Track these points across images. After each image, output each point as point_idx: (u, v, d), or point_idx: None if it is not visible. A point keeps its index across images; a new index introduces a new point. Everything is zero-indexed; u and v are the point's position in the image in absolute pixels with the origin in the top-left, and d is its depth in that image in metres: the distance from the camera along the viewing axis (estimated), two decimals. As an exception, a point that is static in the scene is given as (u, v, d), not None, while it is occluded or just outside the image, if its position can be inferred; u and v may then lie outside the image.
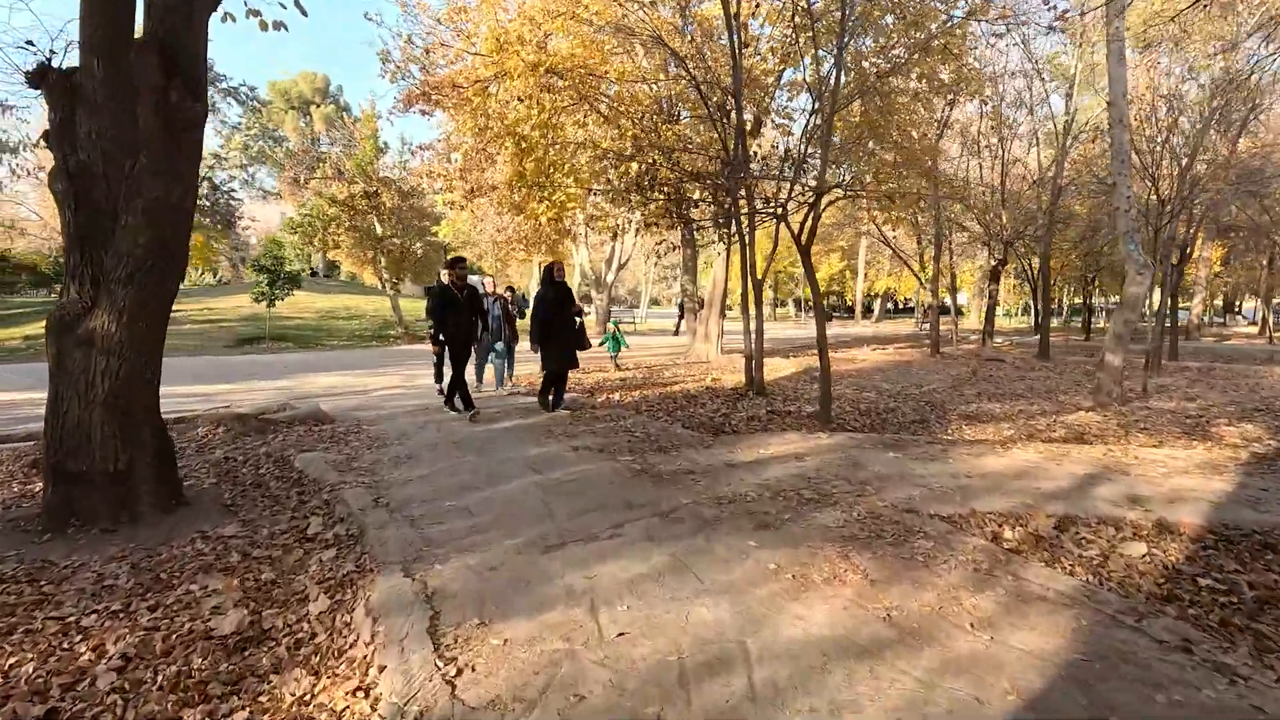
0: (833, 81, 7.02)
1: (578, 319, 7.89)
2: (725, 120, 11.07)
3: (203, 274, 51.53)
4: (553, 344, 7.51)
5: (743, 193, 8.68)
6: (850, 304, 50.75)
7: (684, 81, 11.57)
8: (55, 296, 40.77)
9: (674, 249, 14.00)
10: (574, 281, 41.25)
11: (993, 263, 20.32)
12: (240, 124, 42.24)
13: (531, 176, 13.00)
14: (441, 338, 7.44)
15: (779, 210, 7.54)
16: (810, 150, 9.12)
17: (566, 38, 11.55)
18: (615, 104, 11.86)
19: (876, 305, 47.45)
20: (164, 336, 4.31)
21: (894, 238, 22.52)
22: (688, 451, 5.67)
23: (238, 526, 4.04)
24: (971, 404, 9.42)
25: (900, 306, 62.13)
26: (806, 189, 7.82)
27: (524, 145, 12.93)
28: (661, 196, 9.63)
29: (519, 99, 11.56)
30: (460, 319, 7.47)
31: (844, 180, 7.09)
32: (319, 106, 42.54)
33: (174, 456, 4.50)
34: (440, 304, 7.40)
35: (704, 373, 12.31)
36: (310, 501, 4.48)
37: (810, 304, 52.85)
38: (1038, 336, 24.98)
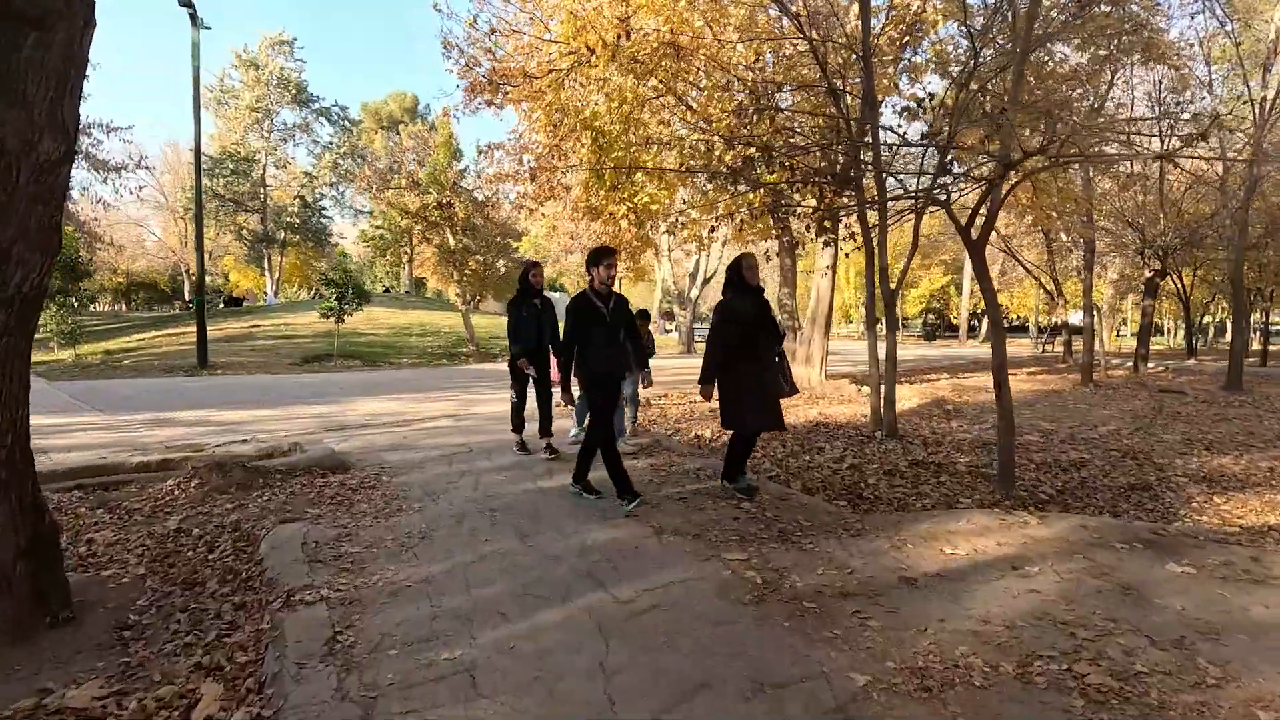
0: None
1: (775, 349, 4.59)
2: (839, 103, 9.15)
3: (298, 290, 53.36)
4: (735, 387, 4.47)
5: (869, 180, 6.70)
6: (954, 322, 46.82)
7: (793, 49, 9.73)
8: (169, 311, 42.88)
9: (780, 252, 12.09)
10: (655, 297, 38.69)
11: (1148, 274, 17.28)
12: (332, 143, 43.24)
13: (610, 177, 11.49)
14: (569, 378, 4.67)
15: (942, 193, 5.48)
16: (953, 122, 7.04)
17: (651, 16, 9.92)
18: (712, 85, 10.15)
19: (983, 324, 43.36)
20: (27, 374, 2.79)
21: (1029, 242, 19.65)
22: (827, 543, 3.73)
23: (102, 684, 2.43)
24: (1189, 457, 6.97)
25: (1009, 325, 57.25)
26: (986, 160, 5.73)
27: (602, 141, 11.49)
28: (769, 181, 7.78)
29: (597, 86, 10.06)
30: (608, 342, 4.53)
31: (1039, 149, 4.90)
32: (408, 125, 43.07)
33: (57, 552, 2.97)
34: (579, 323, 4.49)
35: (809, 403, 10.27)
36: (241, 629, 2.85)
37: (903, 320, 49.13)
38: (1191, 360, 21.27)
